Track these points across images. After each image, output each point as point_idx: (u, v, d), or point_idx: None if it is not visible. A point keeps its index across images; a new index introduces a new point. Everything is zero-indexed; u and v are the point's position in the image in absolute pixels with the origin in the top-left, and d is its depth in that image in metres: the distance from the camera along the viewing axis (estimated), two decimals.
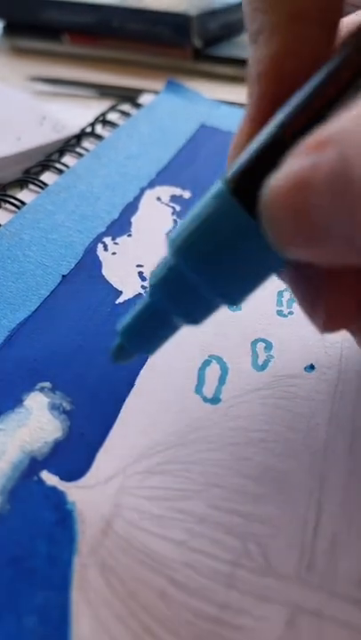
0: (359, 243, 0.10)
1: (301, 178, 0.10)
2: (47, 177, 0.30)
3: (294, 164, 0.10)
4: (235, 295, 0.14)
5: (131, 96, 0.42)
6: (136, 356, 0.16)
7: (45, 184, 0.29)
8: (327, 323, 0.15)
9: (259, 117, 0.14)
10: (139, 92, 0.44)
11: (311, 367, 0.20)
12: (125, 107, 0.39)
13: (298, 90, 0.12)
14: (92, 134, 0.34)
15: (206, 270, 0.13)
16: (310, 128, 0.11)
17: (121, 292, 0.23)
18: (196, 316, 0.14)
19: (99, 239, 0.26)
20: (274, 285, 0.24)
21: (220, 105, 0.42)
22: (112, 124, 0.36)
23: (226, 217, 0.12)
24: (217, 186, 0.13)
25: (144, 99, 0.41)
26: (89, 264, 0.24)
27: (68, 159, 0.32)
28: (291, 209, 0.11)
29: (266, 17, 0.13)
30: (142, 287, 0.23)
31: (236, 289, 0.14)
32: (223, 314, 0.22)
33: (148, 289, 0.15)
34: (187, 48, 0.55)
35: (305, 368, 0.20)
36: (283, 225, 0.11)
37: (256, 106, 0.14)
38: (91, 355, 0.20)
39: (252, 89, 0.14)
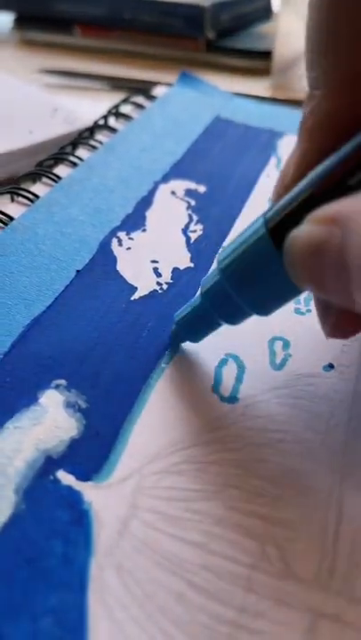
0: (355, 298, 0.13)
1: (312, 248, 0.13)
2: (60, 170, 0.29)
3: (310, 232, 0.14)
4: (263, 309, 0.17)
5: (142, 88, 0.41)
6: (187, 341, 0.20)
7: (59, 177, 0.28)
8: (332, 332, 0.18)
9: (306, 159, 0.17)
10: (150, 84, 0.43)
11: (330, 366, 0.20)
12: (139, 99, 0.39)
13: (336, 150, 0.14)
14: (106, 127, 0.34)
15: (241, 288, 0.17)
16: (334, 192, 0.14)
17: (136, 289, 0.23)
18: (233, 320, 0.18)
19: (113, 234, 0.26)
20: None
21: (234, 97, 0.41)
22: (125, 117, 0.36)
23: (261, 251, 0.16)
24: (258, 223, 0.16)
25: (157, 91, 0.41)
26: (103, 259, 0.24)
27: (81, 152, 0.31)
28: (303, 265, 0.14)
29: (325, 72, 0.16)
30: (157, 283, 0.23)
31: (264, 304, 0.17)
32: None
33: (199, 292, 0.19)
34: (199, 40, 0.55)
35: (323, 367, 0.20)
36: (297, 273, 0.14)
37: (305, 141, 0.17)
38: (105, 352, 0.20)
39: (304, 133, 0.17)
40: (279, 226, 0.15)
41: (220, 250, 0.18)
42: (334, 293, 0.14)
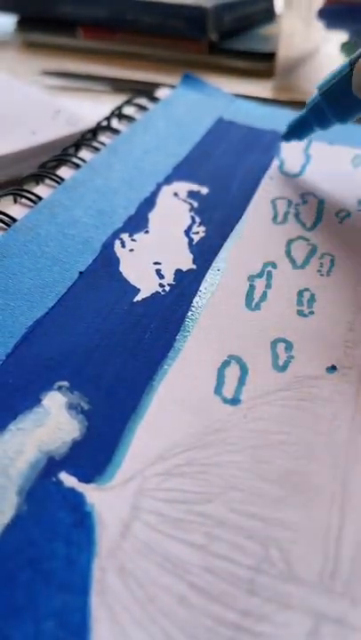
0: None
1: None
2: (63, 171, 0.29)
3: None
4: (343, 117, 0.28)
5: (145, 90, 0.41)
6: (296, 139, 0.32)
7: (62, 179, 0.29)
8: None
9: None
10: (153, 86, 0.43)
11: (333, 368, 0.20)
12: (142, 100, 0.39)
13: None
14: (109, 128, 0.34)
15: (330, 102, 0.28)
16: None
17: (139, 290, 0.23)
18: (324, 125, 0.29)
19: (116, 235, 0.26)
20: (294, 285, 0.24)
21: (237, 99, 0.41)
22: (128, 118, 0.36)
23: (344, 78, 0.26)
24: (346, 63, 0.26)
25: (160, 92, 0.41)
26: (106, 261, 0.24)
27: (84, 153, 0.31)
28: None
29: None
30: (160, 285, 0.23)
31: (344, 112, 0.28)
32: (242, 312, 0.22)
33: (315, 97, 0.29)
34: (202, 41, 0.55)
35: (327, 369, 0.20)
36: (357, 81, 0.25)
37: None
38: (108, 354, 0.20)
39: None
40: (357, 61, 0.25)
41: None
42: None
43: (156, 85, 0.43)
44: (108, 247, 0.25)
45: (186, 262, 0.25)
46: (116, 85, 0.49)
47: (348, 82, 0.26)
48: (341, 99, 0.27)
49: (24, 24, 0.60)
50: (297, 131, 0.31)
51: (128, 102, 0.38)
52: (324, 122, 0.29)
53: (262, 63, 0.54)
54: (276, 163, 0.33)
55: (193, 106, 0.39)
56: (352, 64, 0.25)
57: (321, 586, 0.15)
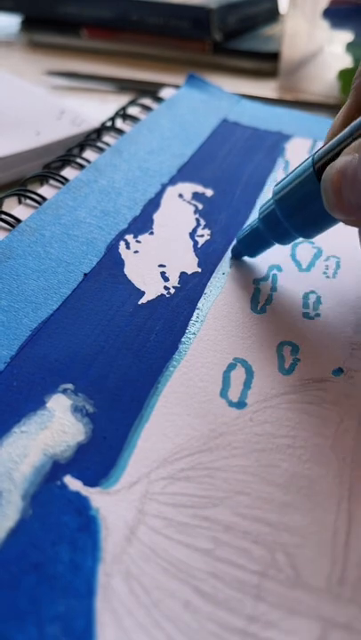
0: None
1: (337, 171, 0.17)
2: (68, 172, 0.29)
3: (338, 161, 0.17)
4: (305, 232, 0.21)
5: (149, 90, 0.41)
6: (244, 256, 0.25)
7: (66, 179, 0.28)
8: None
9: (351, 113, 0.20)
10: (157, 86, 0.43)
11: (339, 370, 0.20)
12: (146, 101, 0.39)
13: None
14: (113, 128, 0.34)
15: (290, 216, 0.21)
16: None
17: (143, 293, 0.23)
18: (283, 241, 0.22)
19: (120, 236, 0.26)
20: (300, 287, 0.24)
21: (241, 99, 0.41)
22: (132, 118, 0.36)
23: (307, 185, 0.20)
24: (307, 163, 0.20)
25: (165, 92, 0.41)
26: (111, 262, 0.24)
27: (88, 154, 0.31)
28: (332, 189, 0.17)
29: None
30: (165, 288, 0.23)
31: (306, 228, 0.21)
32: (247, 315, 0.22)
33: (257, 216, 0.23)
34: (206, 41, 0.55)
35: (333, 371, 0.20)
36: (327, 196, 0.18)
37: (351, 100, 0.20)
38: (113, 356, 0.20)
39: (353, 91, 0.20)
40: (322, 162, 0.19)
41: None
42: (356, 215, 0.17)
43: (161, 85, 0.43)
44: (112, 248, 0.25)
45: (191, 265, 0.24)
46: (121, 85, 0.48)
47: (312, 187, 0.19)
48: (303, 209, 0.20)
49: (29, 24, 0.60)
50: (249, 245, 0.24)
51: (132, 102, 0.38)
52: (283, 235, 0.22)
53: (266, 63, 0.54)
54: (281, 163, 0.33)
55: (197, 106, 0.39)
56: (315, 163, 0.19)
57: (329, 591, 0.14)
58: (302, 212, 0.20)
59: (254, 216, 0.28)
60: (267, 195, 0.30)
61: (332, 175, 0.17)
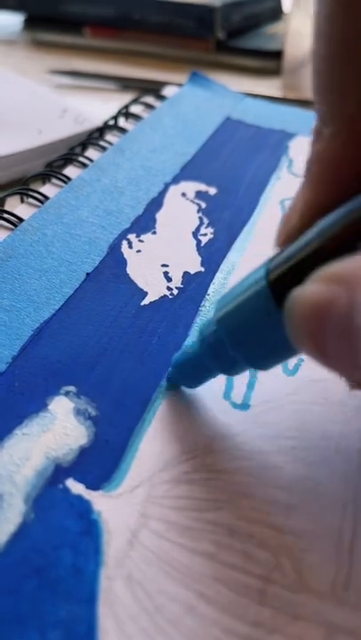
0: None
1: (315, 309, 0.12)
2: (70, 171, 0.29)
3: (314, 291, 0.12)
4: (260, 364, 0.15)
5: (152, 88, 0.41)
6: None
7: (68, 178, 0.28)
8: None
9: (312, 209, 0.15)
10: (160, 84, 0.43)
11: None
12: (149, 99, 0.38)
13: (348, 202, 0.13)
14: (116, 127, 0.34)
15: (238, 342, 0.15)
16: (343, 250, 0.12)
17: (146, 293, 0.22)
18: (230, 371, 0.17)
19: (123, 236, 0.25)
20: None
21: (245, 97, 0.41)
22: (135, 117, 0.35)
23: (260, 305, 0.14)
24: (259, 273, 0.14)
25: (167, 91, 0.40)
26: (113, 262, 0.24)
27: (91, 152, 0.31)
28: (305, 328, 0.12)
29: (337, 108, 0.14)
30: (168, 288, 0.23)
31: (262, 361, 0.15)
32: None
33: (197, 338, 0.17)
34: (210, 40, 0.55)
35: None
36: (298, 336, 0.12)
37: (311, 190, 0.15)
38: (116, 358, 0.20)
39: (311, 172, 0.15)
40: (281, 279, 0.14)
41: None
42: (339, 363, 0.12)
43: (164, 84, 0.43)
44: (115, 248, 0.25)
45: (194, 265, 0.24)
46: (124, 84, 0.48)
47: (266, 307, 0.14)
48: (255, 334, 0.15)
49: (31, 23, 0.60)
50: (187, 374, 0.18)
51: (135, 101, 0.37)
52: (231, 365, 0.16)
53: (270, 61, 0.53)
54: (284, 162, 0.33)
55: (200, 104, 0.39)
56: (270, 272, 0.14)
57: (333, 596, 0.14)
58: (254, 338, 0.15)
59: (255, 216, 0.28)
60: (269, 195, 0.30)
61: (304, 309, 0.12)
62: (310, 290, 0.12)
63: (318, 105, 0.14)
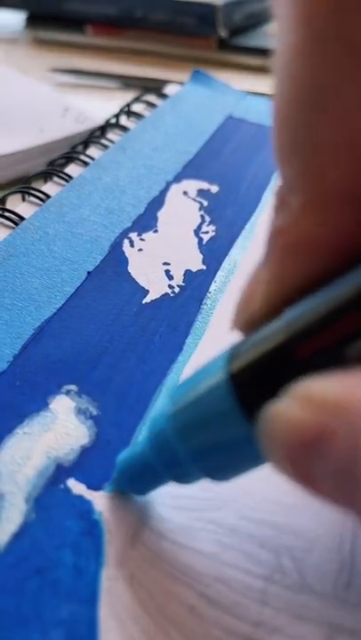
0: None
1: (303, 439, 0.09)
2: (72, 169, 0.29)
3: (298, 416, 0.10)
4: (220, 476, 0.13)
5: (154, 87, 0.41)
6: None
7: (70, 177, 0.28)
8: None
9: (277, 289, 0.12)
10: (162, 83, 0.43)
11: None
12: (151, 97, 0.38)
13: (323, 287, 0.11)
14: (117, 125, 0.34)
15: (193, 449, 0.13)
16: (323, 357, 0.10)
17: (148, 292, 0.22)
18: (182, 480, 0.14)
19: (125, 234, 0.25)
20: None
21: (247, 95, 0.41)
22: (137, 115, 0.35)
23: (220, 405, 0.11)
24: (220, 363, 0.12)
25: (169, 89, 0.40)
26: (115, 260, 0.24)
27: (92, 151, 0.31)
28: (289, 456, 0.10)
29: (304, 175, 0.11)
30: (169, 287, 0.23)
31: (221, 472, 0.13)
32: None
33: (145, 436, 0.14)
34: (212, 38, 0.54)
35: None
36: (278, 460, 0.10)
37: (275, 274, 0.12)
38: (117, 357, 0.20)
39: (274, 252, 0.12)
40: (246, 374, 0.11)
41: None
42: (328, 495, 0.10)
43: (166, 82, 0.43)
44: (116, 247, 0.25)
45: (195, 263, 0.24)
46: (126, 82, 0.48)
47: (225, 410, 0.11)
48: (213, 439, 0.12)
49: (33, 21, 0.60)
50: (133, 479, 0.15)
51: (137, 99, 0.37)
52: (183, 473, 0.13)
53: (271, 61, 0.53)
54: None
55: (202, 103, 0.38)
56: (231, 361, 0.12)
57: (335, 597, 0.14)
58: (214, 444, 0.12)
59: (257, 214, 0.28)
60: (270, 195, 0.30)
61: (286, 434, 0.10)
62: (293, 412, 0.10)
63: (283, 167, 0.11)
